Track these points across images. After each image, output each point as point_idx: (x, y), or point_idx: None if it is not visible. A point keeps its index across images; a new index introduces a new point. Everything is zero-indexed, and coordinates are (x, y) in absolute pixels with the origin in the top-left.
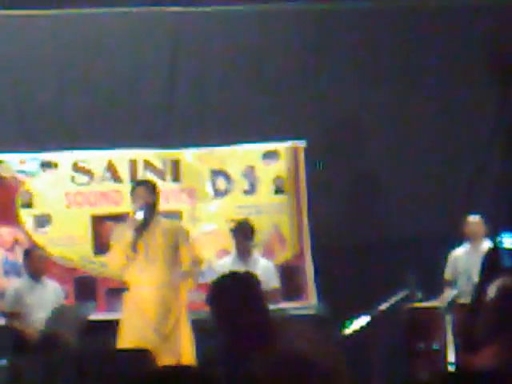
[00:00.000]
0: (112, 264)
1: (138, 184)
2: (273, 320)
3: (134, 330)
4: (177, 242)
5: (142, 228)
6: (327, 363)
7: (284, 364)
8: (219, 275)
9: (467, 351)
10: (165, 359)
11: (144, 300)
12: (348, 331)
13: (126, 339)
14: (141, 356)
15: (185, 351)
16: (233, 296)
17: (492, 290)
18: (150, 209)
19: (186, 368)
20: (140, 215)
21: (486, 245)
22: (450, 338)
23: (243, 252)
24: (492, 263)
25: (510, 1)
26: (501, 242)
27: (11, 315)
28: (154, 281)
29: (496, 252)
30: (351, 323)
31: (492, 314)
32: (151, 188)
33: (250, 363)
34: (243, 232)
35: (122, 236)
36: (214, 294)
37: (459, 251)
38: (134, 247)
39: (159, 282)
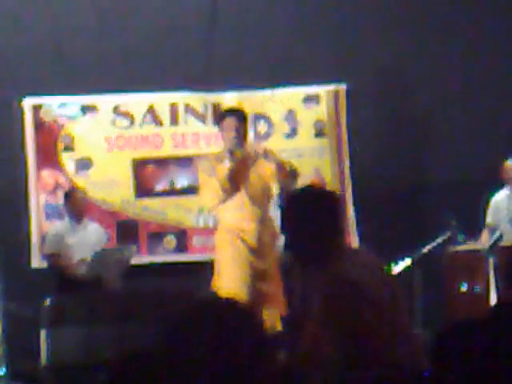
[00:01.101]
0: (207, 199)
1: (227, 113)
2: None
3: (232, 268)
4: (270, 183)
5: (237, 160)
6: (380, 289)
7: (338, 285)
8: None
9: (510, 288)
10: (262, 298)
11: (246, 231)
12: (392, 273)
13: (224, 278)
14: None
15: (277, 291)
16: (312, 207)
17: None
18: (242, 139)
19: (230, 302)
20: (233, 147)
21: None
22: (491, 280)
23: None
24: None
25: None
26: None
27: (53, 256)
28: (253, 218)
29: None
30: (395, 265)
31: None
32: (242, 117)
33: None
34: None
35: (213, 170)
36: (291, 201)
37: (500, 195)
38: (232, 180)
39: (258, 219)
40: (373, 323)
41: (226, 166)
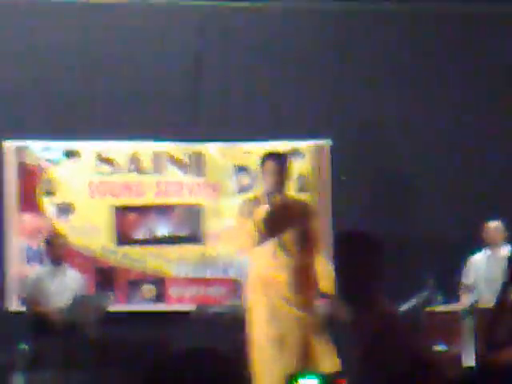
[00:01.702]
0: (242, 242)
1: (268, 157)
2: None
3: (271, 310)
4: (308, 225)
5: (276, 206)
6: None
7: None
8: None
9: (489, 351)
10: (292, 348)
11: (278, 281)
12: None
13: (261, 320)
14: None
15: (319, 344)
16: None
17: None
18: (283, 185)
19: (210, 350)
20: (272, 190)
21: (506, 250)
22: (467, 342)
23: None
24: None
25: None
26: None
27: (32, 301)
28: (286, 265)
29: None
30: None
31: None
32: (283, 161)
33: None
34: None
35: (251, 212)
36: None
37: (479, 256)
38: (269, 225)
39: (292, 266)
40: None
41: (264, 208)
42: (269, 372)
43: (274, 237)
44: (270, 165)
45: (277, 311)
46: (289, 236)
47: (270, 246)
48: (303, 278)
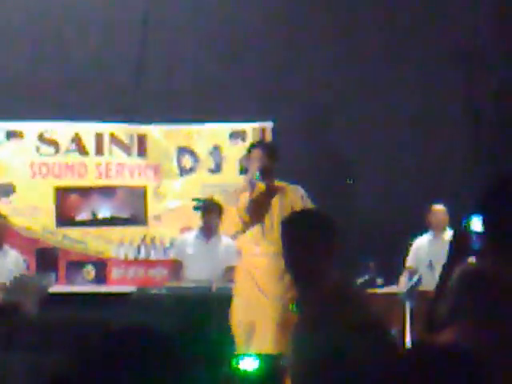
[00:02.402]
0: (228, 228)
1: (254, 146)
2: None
3: (246, 298)
4: (295, 207)
5: (258, 194)
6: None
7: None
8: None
9: (427, 333)
10: (274, 327)
11: (257, 270)
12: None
13: (239, 307)
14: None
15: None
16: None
17: (456, 273)
18: (267, 173)
19: (145, 330)
20: (256, 178)
21: (449, 234)
22: (407, 324)
23: (207, 230)
24: (460, 246)
25: None
26: (469, 225)
27: None
28: (271, 251)
29: (464, 235)
30: None
31: (452, 296)
32: (269, 151)
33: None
34: (209, 210)
35: (237, 200)
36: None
37: (422, 239)
38: (252, 212)
39: (276, 251)
40: None
41: (246, 197)
42: None
43: (256, 224)
44: (255, 153)
45: (252, 299)
46: (273, 222)
47: (254, 233)
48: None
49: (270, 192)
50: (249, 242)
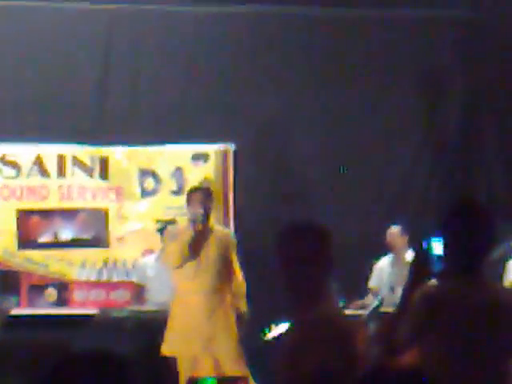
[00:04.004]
0: (168, 261)
1: (195, 190)
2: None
3: (178, 334)
4: (228, 253)
5: (200, 233)
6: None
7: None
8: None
9: (387, 356)
10: (206, 364)
11: (190, 306)
12: (268, 337)
13: (170, 342)
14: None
15: (229, 358)
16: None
17: (417, 295)
18: (206, 215)
19: (103, 355)
20: (197, 219)
21: (409, 255)
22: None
23: None
24: (420, 268)
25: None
26: (429, 247)
27: None
28: (203, 288)
29: (424, 257)
30: (271, 329)
31: (413, 318)
32: (208, 194)
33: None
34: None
35: (178, 236)
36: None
37: (383, 261)
38: (192, 249)
39: (208, 289)
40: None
41: (188, 235)
42: None
43: (195, 259)
44: (196, 197)
45: (187, 334)
46: (208, 260)
47: (191, 267)
48: (218, 299)
49: (208, 232)
50: (184, 278)
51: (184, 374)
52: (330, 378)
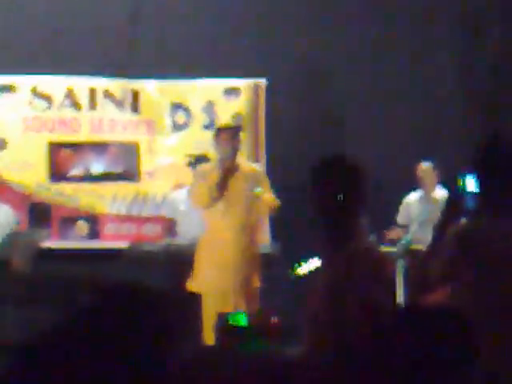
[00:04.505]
0: (197, 201)
1: (223, 128)
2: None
3: (207, 271)
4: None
5: (228, 171)
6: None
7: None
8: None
9: (420, 293)
10: (236, 300)
11: (220, 243)
12: (300, 272)
13: (199, 279)
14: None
15: (257, 295)
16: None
17: (450, 232)
18: (234, 153)
19: (137, 286)
20: (227, 159)
21: (439, 191)
22: (400, 283)
23: None
24: (454, 206)
25: None
26: (463, 185)
27: None
28: (233, 225)
29: (458, 195)
30: (302, 265)
31: (445, 256)
32: (236, 132)
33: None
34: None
35: (206, 176)
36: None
37: (412, 197)
38: (221, 188)
39: (237, 226)
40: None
41: (216, 174)
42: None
43: (223, 198)
44: (224, 135)
45: (218, 268)
46: (237, 197)
47: (220, 205)
48: (248, 235)
49: (236, 170)
50: (213, 216)
51: (213, 311)
52: (369, 311)
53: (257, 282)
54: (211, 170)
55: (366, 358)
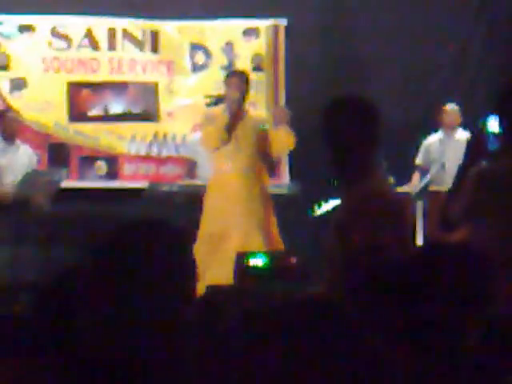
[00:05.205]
0: (205, 143)
1: (232, 74)
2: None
3: (216, 213)
4: (264, 137)
5: (236, 115)
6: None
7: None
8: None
9: (441, 232)
10: (248, 241)
11: (229, 185)
12: (318, 212)
13: (208, 221)
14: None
15: (269, 237)
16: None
17: (472, 173)
18: (242, 98)
19: (160, 222)
20: (235, 103)
21: (461, 133)
22: (419, 224)
23: None
24: (476, 147)
25: None
26: (486, 126)
27: None
28: (241, 167)
29: (481, 136)
30: (322, 205)
31: (467, 196)
32: (245, 78)
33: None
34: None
35: (216, 119)
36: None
37: (433, 138)
38: (229, 131)
39: (246, 168)
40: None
41: (225, 118)
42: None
43: (231, 141)
44: (233, 80)
45: (224, 211)
46: (245, 141)
47: (228, 148)
48: (257, 178)
49: (245, 115)
50: (221, 158)
51: (223, 253)
52: (381, 251)
53: (268, 225)
54: (220, 113)
55: (379, 296)
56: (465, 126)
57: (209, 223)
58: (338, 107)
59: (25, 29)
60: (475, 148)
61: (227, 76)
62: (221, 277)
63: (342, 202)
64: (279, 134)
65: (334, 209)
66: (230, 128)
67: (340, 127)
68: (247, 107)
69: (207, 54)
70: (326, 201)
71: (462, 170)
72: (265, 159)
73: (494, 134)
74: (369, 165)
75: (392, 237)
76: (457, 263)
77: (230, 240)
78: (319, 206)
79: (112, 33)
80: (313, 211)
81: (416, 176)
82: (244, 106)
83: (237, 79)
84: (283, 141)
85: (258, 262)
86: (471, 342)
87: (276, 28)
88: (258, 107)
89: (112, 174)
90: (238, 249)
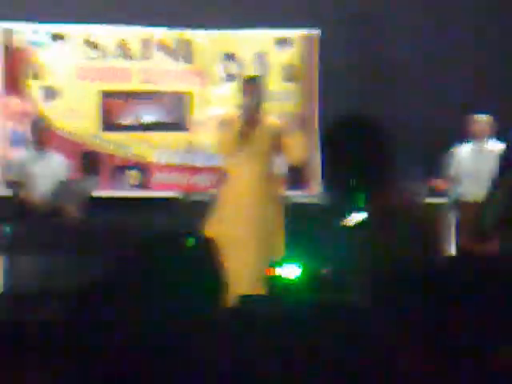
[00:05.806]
0: (220, 149)
1: (248, 79)
2: None
3: (226, 218)
4: (279, 142)
5: (251, 121)
6: None
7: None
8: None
9: (474, 242)
10: (253, 249)
11: (241, 191)
12: (349, 222)
13: (217, 226)
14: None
15: (276, 245)
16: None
17: (505, 185)
18: (258, 104)
19: (189, 235)
20: (250, 109)
21: (493, 144)
22: (452, 235)
23: None
24: (509, 158)
25: None
26: None
27: (16, 184)
28: (254, 174)
29: None
30: (353, 215)
31: (501, 207)
32: (260, 83)
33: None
34: None
35: (230, 125)
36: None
37: (464, 149)
38: (243, 137)
39: (259, 175)
40: None
41: (240, 123)
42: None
43: (246, 147)
44: (248, 86)
45: (239, 214)
46: (260, 147)
47: (243, 154)
48: (269, 185)
49: (260, 121)
50: (235, 164)
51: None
52: (405, 262)
53: (276, 235)
54: (235, 119)
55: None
56: (498, 137)
57: (219, 229)
58: (340, 131)
59: (58, 37)
60: (508, 159)
61: (243, 81)
62: (239, 286)
63: (368, 215)
64: (293, 141)
65: (362, 221)
66: (245, 134)
67: (348, 148)
68: (262, 114)
69: (239, 63)
70: (354, 213)
71: (495, 181)
72: (280, 166)
73: None
74: (387, 180)
75: (417, 247)
76: (489, 274)
77: (243, 247)
78: (346, 218)
79: (145, 43)
80: (342, 222)
81: (449, 187)
82: (259, 112)
83: (252, 84)
84: (297, 148)
85: (289, 272)
86: (503, 355)
87: (310, 38)
88: (289, 119)
89: (143, 183)
90: (250, 256)
